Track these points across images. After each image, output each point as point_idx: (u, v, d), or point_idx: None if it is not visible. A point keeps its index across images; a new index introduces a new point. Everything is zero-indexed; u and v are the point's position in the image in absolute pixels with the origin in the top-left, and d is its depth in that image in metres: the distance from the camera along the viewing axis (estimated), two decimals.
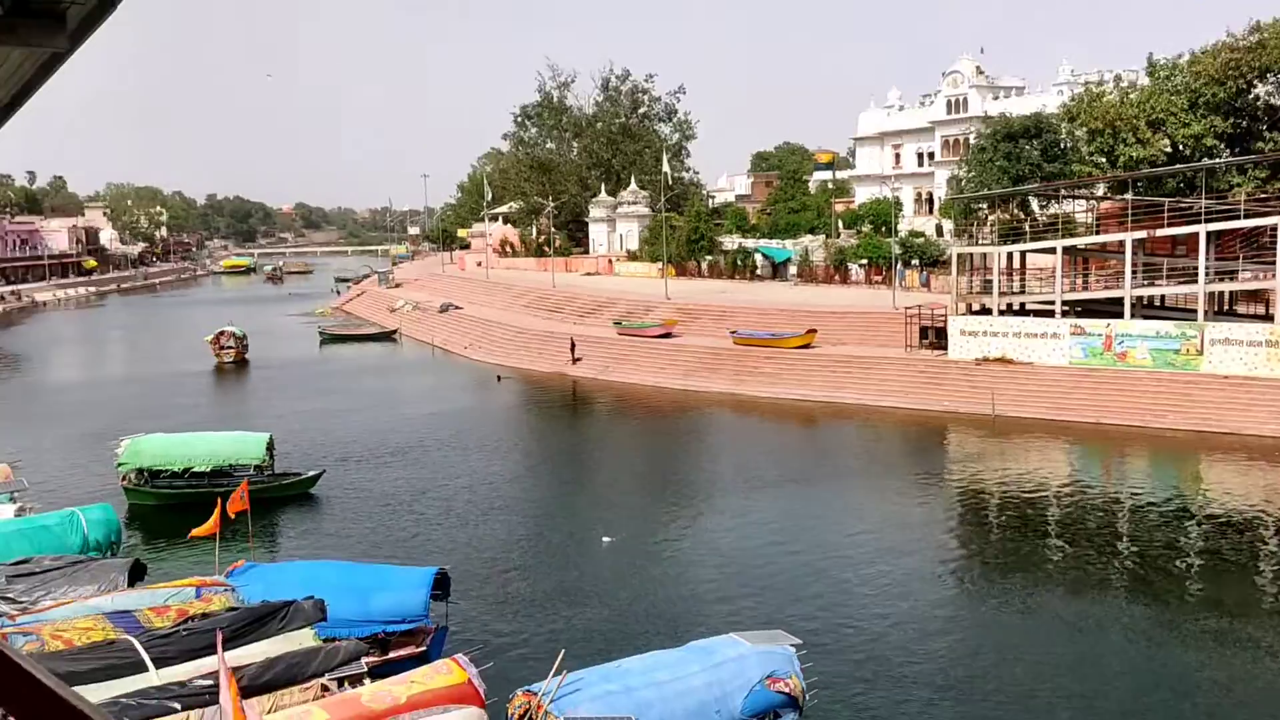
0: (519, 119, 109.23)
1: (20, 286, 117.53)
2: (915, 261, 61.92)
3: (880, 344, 47.77)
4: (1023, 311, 44.78)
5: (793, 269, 70.78)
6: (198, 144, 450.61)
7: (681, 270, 75.75)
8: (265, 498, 29.00)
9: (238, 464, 29.53)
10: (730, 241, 78.91)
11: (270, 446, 30.21)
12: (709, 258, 77.36)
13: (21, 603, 17.35)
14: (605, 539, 26.00)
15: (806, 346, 48.56)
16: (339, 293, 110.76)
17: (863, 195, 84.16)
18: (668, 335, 54.06)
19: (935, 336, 45.30)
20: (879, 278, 62.91)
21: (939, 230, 68.66)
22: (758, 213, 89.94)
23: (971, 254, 46.69)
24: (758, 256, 74.41)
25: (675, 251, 76.73)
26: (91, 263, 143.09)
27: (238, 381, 57.04)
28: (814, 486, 31.84)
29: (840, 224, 76.48)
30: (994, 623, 21.07)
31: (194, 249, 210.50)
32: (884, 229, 67.08)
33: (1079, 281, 47.47)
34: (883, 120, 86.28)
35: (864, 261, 65.66)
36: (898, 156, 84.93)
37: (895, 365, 44.74)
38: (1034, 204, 53.18)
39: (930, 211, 77.62)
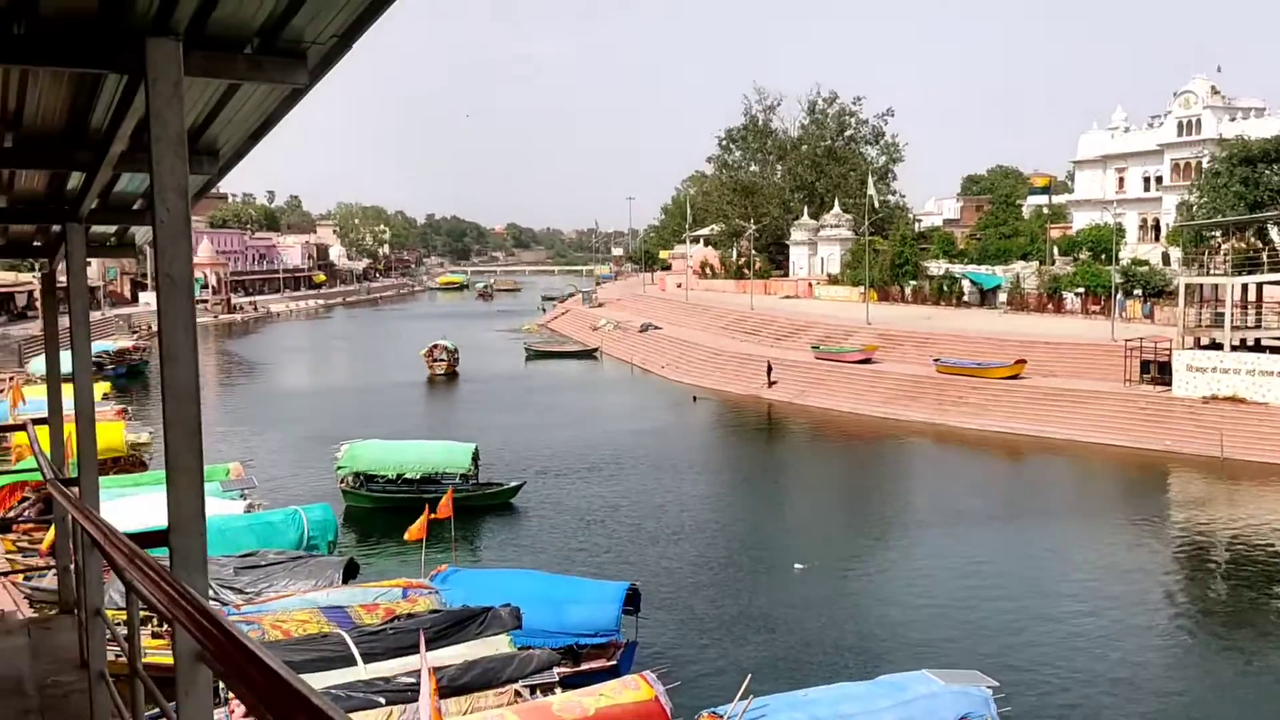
0: (724, 142, 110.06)
1: (257, 298, 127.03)
2: (1137, 291, 58.49)
3: (1095, 377, 45.28)
4: (1258, 348, 41.49)
5: (1002, 296, 68.18)
6: (421, 166, 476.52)
7: (884, 295, 74.23)
8: (469, 506, 30.25)
9: (445, 472, 30.83)
10: (936, 267, 76.80)
11: (475, 457, 31.41)
12: (913, 283, 75.51)
13: (247, 593, 18.68)
14: (797, 566, 25.70)
15: (1015, 377, 46.59)
16: (545, 310, 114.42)
17: (1081, 221, 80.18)
18: (868, 361, 53.05)
19: (1158, 371, 42.56)
20: (1096, 308, 59.71)
21: (1165, 259, 64.67)
22: (966, 237, 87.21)
23: (1202, 285, 43.66)
24: (965, 282, 72.08)
25: (878, 276, 75.30)
26: (321, 277, 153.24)
27: (448, 393, 59.70)
28: (1019, 524, 30.46)
29: (1055, 250, 73.16)
30: (1213, 681, 19.54)
31: (413, 266, 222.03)
32: (1103, 256, 63.69)
33: None
34: (1106, 142, 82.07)
35: (1080, 290, 62.51)
36: (1121, 180, 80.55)
37: (1112, 400, 42.29)
38: (1273, 232, 49.34)
39: (1156, 239, 73.21)
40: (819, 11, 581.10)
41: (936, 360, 50.18)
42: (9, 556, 23.59)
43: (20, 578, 22.64)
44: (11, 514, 26.23)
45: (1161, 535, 29.61)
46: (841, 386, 50.90)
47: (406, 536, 21.29)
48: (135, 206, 6.37)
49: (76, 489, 6.20)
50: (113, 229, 7.35)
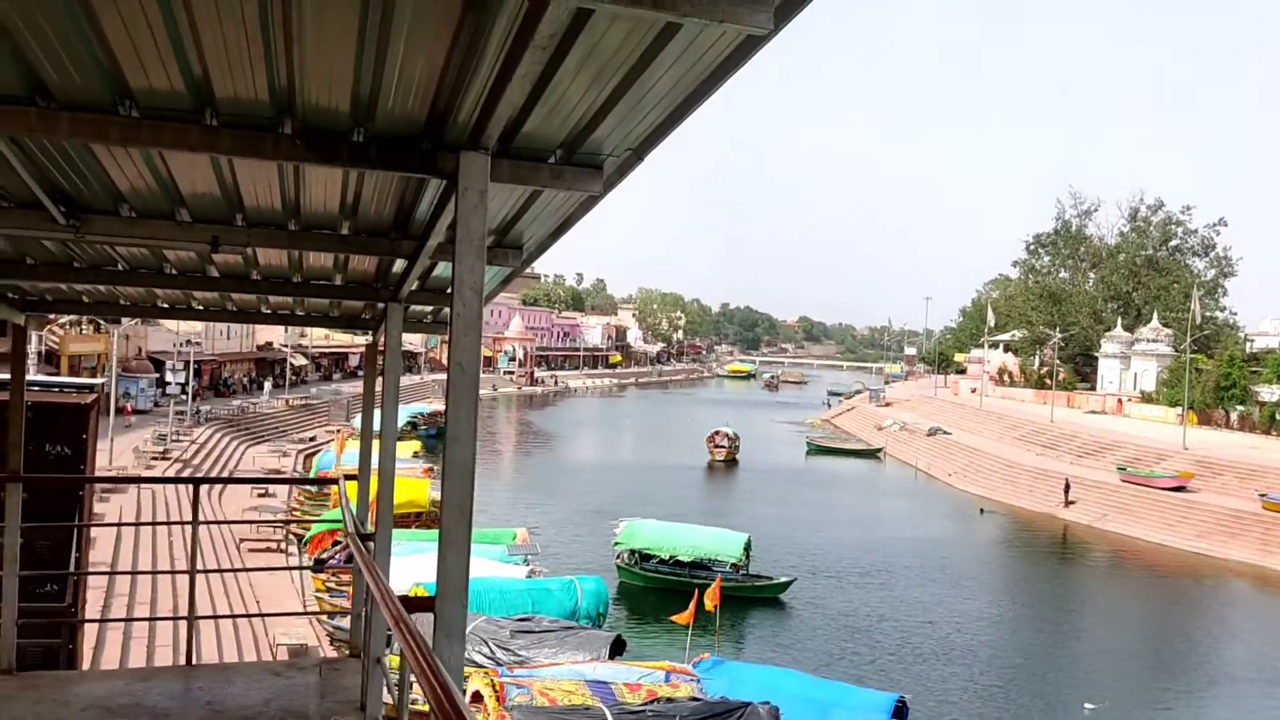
0: (1031, 246, 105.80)
1: (559, 373, 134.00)
2: None
3: None
4: None
5: None
6: (721, 256, 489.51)
7: (1204, 419, 67.99)
8: (737, 596, 30.19)
9: (716, 559, 30.97)
10: (1269, 392, 69.56)
11: (748, 547, 31.38)
12: (1240, 408, 68.71)
13: (521, 656, 19.48)
14: (1088, 706, 23.67)
15: None
16: (829, 405, 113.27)
17: None
18: (1181, 489, 48.59)
19: None
20: None
21: None
22: None
23: None
24: None
25: (1199, 398, 69.17)
26: (617, 357, 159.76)
27: (726, 479, 60.13)
28: None
29: None
30: None
31: (704, 352, 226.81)
32: None
33: None
34: None
35: None
36: None
37: None
38: None
39: None
40: (1142, 112, 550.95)
41: (1263, 495, 45.15)
42: (318, 595, 25.92)
43: (325, 617, 24.81)
44: (325, 555, 28.83)
45: None
46: (1149, 514, 46.83)
47: (675, 619, 21.51)
48: (448, 291, 7.01)
49: (373, 544, 6.78)
50: (429, 309, 8.12)
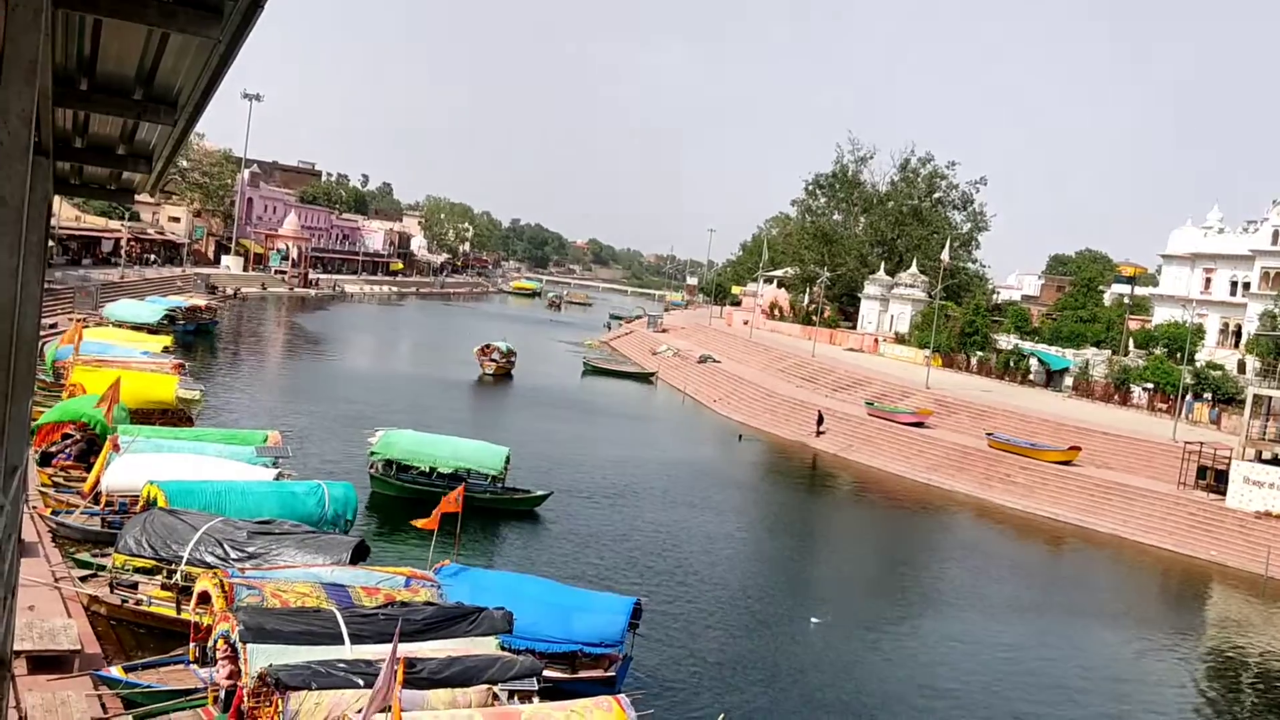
0: (810, 187, 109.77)
1: (336, 276, 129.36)
2: (1207, 395, 56.93)
3: (1150, 475, 44.15)
4: None
5: (1069, 380, 66.81)
6: (514, 170, 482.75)
7: (949, 362, 73.22)
8: (493, 508, 30.41)
9: (476, 471, 30.96)
10: (1006, 340, 75.61)
11: (508, 460, 31.51)
12: (980, 353, 74.38)
13: (256, 558, 18.92)
14: (814, 619, 25.36)
15: (1067, 463, 45.58)
16: (610, 328, 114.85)
17: (1162, 316, 78.40)
18: (920, 425, 52.32)
19: (1214, 479, 41.35)
20: (1163, 405, 58.23)
21: (1241, 366, 62.88)
22: (1042, 316, 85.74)
23: (1272, 397, 42.38)
24: (1033, 360, 70.80)
25: (945, 341, 74.34)
26: (398, 265, 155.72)
27: (498, 394, 60.14)
28: (1046, 615, 29.64)
29: (1131, 342, 71.62)
30: None
31: (490, 267, 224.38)
32: (1178, 355, 62.17)
33: None
34: (1197, 240, 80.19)
35: (1149, 385, 61.02)
36: (1208, 281, 78.58)
37: (1162, 501, 41.17)
38: None
39: (1235, 345, 71.20)
40: (925, 68, 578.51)
41: (990, 434, 49.31)
42: (42, 489, 24.26)
43: (49, 512, 23.30)
44: (54, 448, 26.98)
45: (1191, 648, 28.60)
46: (890, 446, 50.24)
47: (415, 523, 21.44)
48: (119, 151, 6.50)
49: None
50: (104, 170, 7.41)
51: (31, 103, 2.98)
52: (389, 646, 15.28)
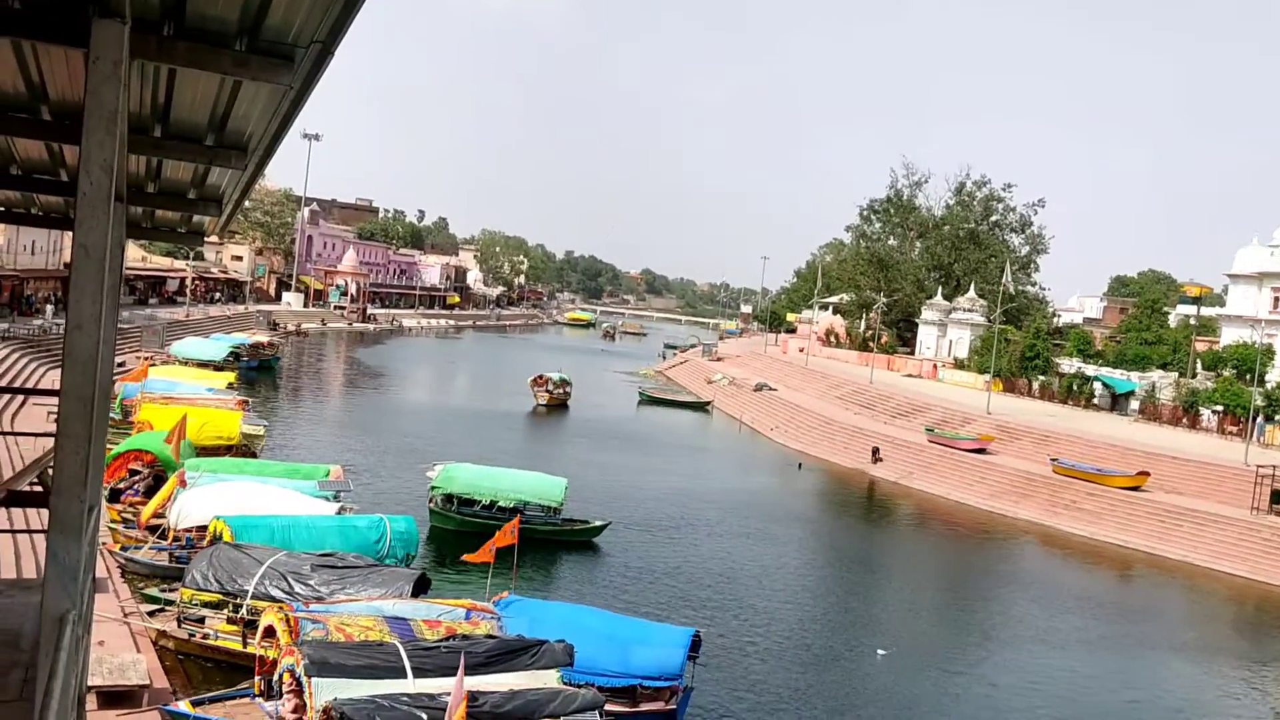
0: (865, 213, 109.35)
1: (393, 311, 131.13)
2: (1279, 417, 55.43)
3: (1221, 500, 42.99)
4: None
5: (1134, 403, 65.47)
6: (568, 203, 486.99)
7: (1010, 387, 72.18)
8: (552, 540, 30.43)
9: (535, 503, 31.00)
10: (1069, 365, 74.35)
11: (565, 491, 31.53)
12: (1042, 378, 73.22)
13: (320, 592, 19.09)
14: (880, 651, 24.96)
15: (1135, 489, 44.55)
16: (664, 358, 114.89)
17: (1230, 337, 76.57)
18: (981, 451, 51.50)
19: None
20: (1234, 428, 56.77)
21: None
22: (1105, 339, 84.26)
23: None
24: (1097, 384, 69.53)
25: (1006, 366, 73.31)
26: (455, 299, 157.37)
27: (554, 425, 60.32)
28: (1117, 647, 28.80)
29: (1199, 364, 70.03)
30: None
31: (544, 299, 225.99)
32: (1248, 376, 60.65)
33: None
34: (1264, 259, 78.23)
35: (1219, 408, 59.56)
36: (1276, 300, 76.65)
37: (1234, 527, 40.04)
38: None
39: None
40: (978, 93, 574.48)
41: (1054, 460, 48.37)
42: (110, 525, 24.74)
43: (118, 547, 23.74)
44: (122, 484, 27.54)
45: (1271, 679, 27.69)
46: (951, 473, 49.50)
47: (468, 558, 21.46)
48: (189, 196, 6.63)
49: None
50: (176, 215, 7.58)
51: (113, 153, 3.05)
52: (451, 680, 15.33)
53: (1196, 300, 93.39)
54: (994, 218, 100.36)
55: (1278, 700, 26.20)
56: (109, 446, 28.20)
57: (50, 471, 3.41)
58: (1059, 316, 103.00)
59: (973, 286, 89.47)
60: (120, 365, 51.82)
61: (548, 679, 16.05)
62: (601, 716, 15.39)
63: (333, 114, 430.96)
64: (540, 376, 66.42)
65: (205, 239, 8.66)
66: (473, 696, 13.72)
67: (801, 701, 21.25)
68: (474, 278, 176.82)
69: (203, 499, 23.72)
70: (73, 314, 3.17)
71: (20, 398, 36.01)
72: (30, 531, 18.27)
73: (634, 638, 19.04)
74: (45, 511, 3.22)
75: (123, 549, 23.48)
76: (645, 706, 18.42)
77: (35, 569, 18.33)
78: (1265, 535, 39.08)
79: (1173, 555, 39.20)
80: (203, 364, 51.84)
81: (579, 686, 16.28)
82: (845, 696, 22.02)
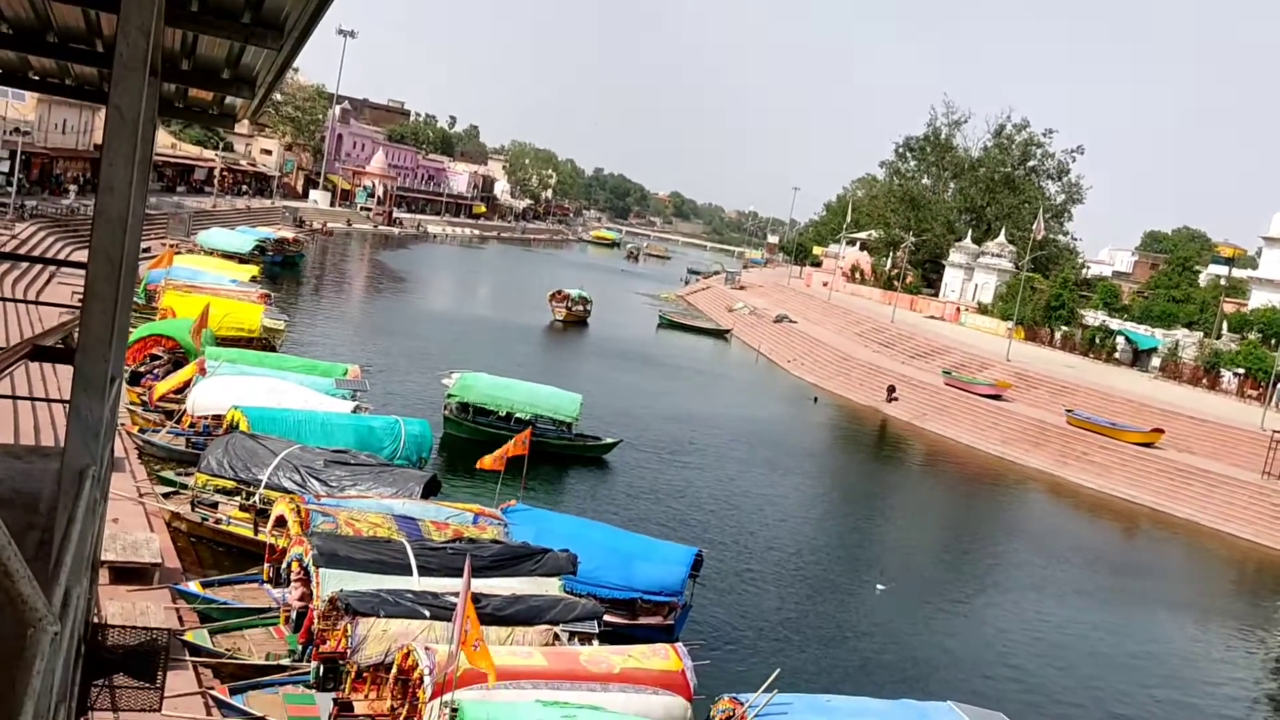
0: (900, 150, 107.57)
1: (419, 216, 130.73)
2: None
3: (1234, 463, 42.92)
4: None
5: (1156, 360, 65.06)
6: (601, 119, 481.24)
7: (1032, 335, 71.73)
8: (563, 454, 30.71)
9: (549, 417, 31.19)
10: (1093, 317, 73.74)
11: (580, 407, 31.69)
12: (1065, 328, 72.70)
13: (331, 487, 19.42)
14: (879, 586, 25.27)
15: (1148, 445, 44.49)
16: (687, 283, 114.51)
17: (1259, 300, 75.61)
18: (997, 397, 51.41)
19: None
20: (1254, 392, 56.42)
21: None
22: (1133, 294, 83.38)
23: None
24: (1120, 339, 69.03)
25: (1030, 314, 72.76)
26: (481, 208, 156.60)
27: (573, 341, 60.52)
28: (1114, 598, 29.12)
29: (1225, 325, 69.36)
30: None
31: (571, 215, 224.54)
32: (1273, 341, 60.08)
33: None
34: None
35: (1240, 371, 59.13)
36: None
37: (1245, 490, 40.02)
38: None
39: None
40: (1027, 35, 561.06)
41: (1070, 411, 48.26)
42: (130, 407, 25.09)
43: (136, 429, 24.11)
44: (142, 369, 27.85)
45: (1267, 643, 27.93)
46: (964, 417, 49.49)
47: (479, 464, 21.67)
48: (223, 75, 6.59)
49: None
50: (210, 96, 7.53)
51: (151, 15, 3.03)
52: (455, 580, 15.65)
53: (1229, 261, 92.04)
54: (1031, 163, 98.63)
55: (1268, 660, 26.46)
56: (130, 329, 28.51)
57: (76, 336, 3.46)
58: (1088, 268, 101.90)
59: (1004, 232, 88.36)
60: (146, 250, 52.07)
61: (550, 586, 16.38)
62: (600, 626, 15.68)
63: (370, 12, 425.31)
64: (559, 292, 66.36)
65: (235, 126, 8.64)
66: (475, 598, 14.00)
67: (796, 628, 21.60)
68: (501, 189, 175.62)
69: (221, 388, 24.01)
70: (105, 177, 3.17)
71: (47, 273, 36.31)
72: (50, 400, 18.58)
73: (637, 553, 19.36)
74: (67, 386, 3.27)
75: (140, 431, 23.85)
76: (644, 620, 18.77)
77: (55, 439, 18.69)
78: (1275, 500, 39.06)
79: (1180, 514, 39.28)
80: (227, 255, 51.98)
81: (580, 596, 16.61)
82: (840, 627, 22.37)
